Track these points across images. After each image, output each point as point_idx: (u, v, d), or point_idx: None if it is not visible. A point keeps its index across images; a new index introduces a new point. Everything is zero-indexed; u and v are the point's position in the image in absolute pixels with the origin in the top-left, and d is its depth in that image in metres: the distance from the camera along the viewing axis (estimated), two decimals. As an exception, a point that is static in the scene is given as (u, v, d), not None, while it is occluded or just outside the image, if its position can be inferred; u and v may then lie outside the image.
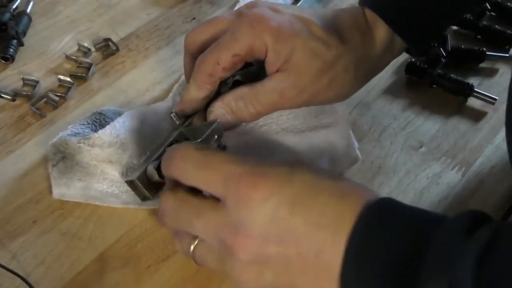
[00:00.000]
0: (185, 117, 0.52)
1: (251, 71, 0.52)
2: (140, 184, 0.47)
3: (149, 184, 0.48)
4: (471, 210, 0.35)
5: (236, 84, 0.51)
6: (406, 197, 0.52)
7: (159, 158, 0.49)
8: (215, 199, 0.40)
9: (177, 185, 0.42)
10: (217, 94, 0.52)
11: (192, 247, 0.41)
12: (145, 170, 0.48)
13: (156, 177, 0.47)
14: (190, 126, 0.52)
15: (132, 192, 0.51)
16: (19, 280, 0.45)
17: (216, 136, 0.47)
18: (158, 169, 0.47)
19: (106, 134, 0.51)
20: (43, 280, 0.47)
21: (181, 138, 0.51)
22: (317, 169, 0.43)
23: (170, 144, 0.50)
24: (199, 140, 0.46)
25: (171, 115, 0.52)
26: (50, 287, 0.46)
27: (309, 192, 0.37)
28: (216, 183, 0.39)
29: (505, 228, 0.33)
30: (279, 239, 0.37)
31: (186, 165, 0.41)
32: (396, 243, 0.34)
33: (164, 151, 0.49)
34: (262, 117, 0.52)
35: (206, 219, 0.39)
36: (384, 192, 0.53)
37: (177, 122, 0.52)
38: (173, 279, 0.47)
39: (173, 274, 0.47)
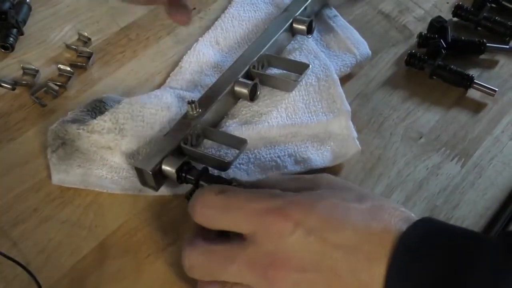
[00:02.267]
0: (201, 110, 0.53)
1: None
2: (152, 177, 0.48)
3: (159, 177, 0.49)
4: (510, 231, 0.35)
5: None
6: (406, 188, 0.53)
7: (174, 153, 0.49)
8: (239, 239, 0.40)
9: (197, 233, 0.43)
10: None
11: None
12: (160, 163, 0.48)
13: (174, 180, 0.48)
14: (211, 128, 0.53)
15: (132, 179, 0.51)
16: (19, 268, 0.46)
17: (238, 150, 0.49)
18: (179, 171, 0.48)
19: (105, 120, 0.52)
20: (44, 268, 0.47)
21: (199, 133, 0.52)
22: (340, 187, 0.43)
23: (185, 138, 0.50)
24: (228, 161, 0.48)
25: (190, 105, 0.52)
26: (51, 275, 0.47)
27: (335, 216, 0.38)
28: (242, 222, 0.40)
29: None
30: (316, 265, 0.38)
31: (210, 212, 0.41)
32: (438, 268, 0.35)
33: (179, 146, 0.50)
34: None
35: (240, 261, 0.39)
36: (383, 183, 0.53)
37: (192, 112, 0.52)
38: (173, 268, 0.47)
39: (173, 263, 0.47)
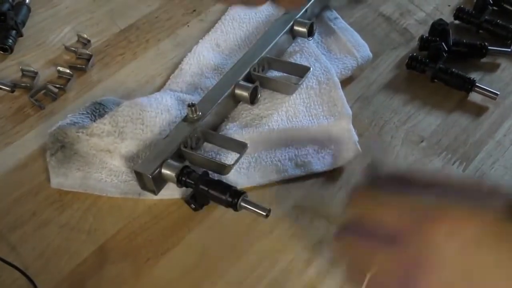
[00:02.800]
0: (201, 113, 0.52)
1: None
2: (152, 181, 0.48)
3: (159, 181, 0.49)
4: None
5: None
6: (407, 192, 0.52)
7: (173, 156, 0.49)
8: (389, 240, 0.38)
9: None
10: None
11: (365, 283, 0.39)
12: (160, 167, 0.48)
13: (174, 183, 0.48)
14: (211, 131, 0.53)
15: (131, 182, 0.51)
16: (18, 272, 0.45)
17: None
18: (179, 175, 0.48)
19: (104, 123, 0.51)
20: (42, 272, 0.47)
21: (199, 136, 0.52)
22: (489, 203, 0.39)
23: (185, 142, 0.50)
24: (228, 165, 0.49)
25: (190, 107, 0.51)
26: (49, 279, 0.46)
27: (494, 232, 0.35)
28: (393, 223, 0.38)
29: None
30: (466, 275, 0.35)
31: (363, 203, 0.40)
32: None
33: (178, 148, 0.49)
34: None
35: (384, 257, 0.38)
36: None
37: (192, 115, 0.52)
38: (172, 272, 0.47)
39: (172, 267, 0.47)
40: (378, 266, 0.38)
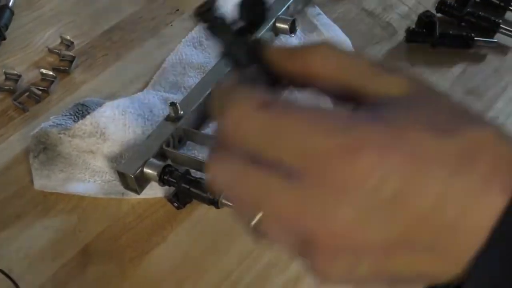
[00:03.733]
0: (183, 112, 0.52)
1: None
2: (134, 181, 0.48)
3: (142, 181, 0.49)
4: None
5: None
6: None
7: (156, 155, 0.49)
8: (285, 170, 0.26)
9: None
10: None
11: (253, 222, 0.28)
12: (143, 166, 0.48)
13: (156, 181, 0.48)
14: (194, 130, 0.52)
15: (114, 182, 0.51)
16: (1, 274, 0.45)
17: None
18: (161, 174, 0.48)
19: (86, 124, 0.51)
20: (26, 274, 0.47)
21: (182, 135, 0.52)
22: (426, 95, 0.25)
23: (168, 141, 0.50)
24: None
25: (171, 106, 0.51)
26: (33, 281, 0.46)
27: (420, 163, 0.24)
28: (291, 156, 0.26)
29: None
30: (381, 227, 0.23)
31: (246, 132, 0.26)
32: None
33: (161, 147, 0.49)
34: None
35: (276, 200, 0.26)
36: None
37: (174, 115, 0.52)
38: (156, 271, 0.47)
39: (157, 267, 0.47)
40: (271, 211, 0.26)
